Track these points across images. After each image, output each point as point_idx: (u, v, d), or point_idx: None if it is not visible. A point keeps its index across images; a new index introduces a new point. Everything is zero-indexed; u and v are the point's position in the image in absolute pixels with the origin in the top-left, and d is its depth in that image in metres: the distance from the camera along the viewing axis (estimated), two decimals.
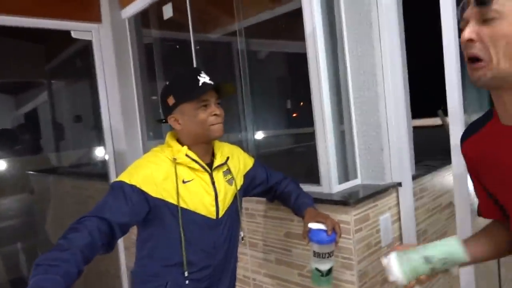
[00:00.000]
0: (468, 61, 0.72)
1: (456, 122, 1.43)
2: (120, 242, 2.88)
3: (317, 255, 1.21)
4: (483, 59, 0.69)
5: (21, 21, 2.45)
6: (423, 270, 0.85)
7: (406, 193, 1.60)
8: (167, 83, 1.33)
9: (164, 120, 1.36)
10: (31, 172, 3.67)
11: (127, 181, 1.20)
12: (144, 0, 2.57)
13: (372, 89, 1.60)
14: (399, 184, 1.60)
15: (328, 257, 1.21)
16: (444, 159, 1.95)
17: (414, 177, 1.69)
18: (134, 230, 1.25)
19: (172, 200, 1.24)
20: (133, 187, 1.19)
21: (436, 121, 2.51)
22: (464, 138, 0.91)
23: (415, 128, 1.84)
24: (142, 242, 1.34)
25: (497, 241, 0.93)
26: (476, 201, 1.75)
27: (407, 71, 1.73)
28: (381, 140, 1.60)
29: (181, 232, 1.25)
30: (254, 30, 2.65)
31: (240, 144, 2.53)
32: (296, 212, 1.42)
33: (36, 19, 2.50)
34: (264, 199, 1.68)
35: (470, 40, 0.70)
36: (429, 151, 2.13)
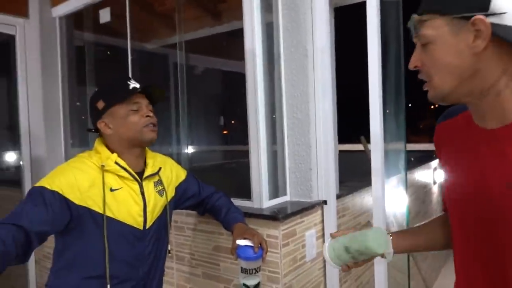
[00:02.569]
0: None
1: (377, 148, 1.59)
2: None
3: (244, 271, 1.23)
4: (428, 81, 0.73)
5: None
6: (345, 258, 0.90)
7: (330, 211, 1.71)
8: (96, 89, 1.31)
9: (93, 129, 1.30)
10: None
11: (48, 186, 1.13)
12: (78, 0, 2.47)
13: (304, 112, 1.71)
14: (325, 202, 1.71)
15: (255, 273, 1.23)
16: (364, 181, 2.11)
17: (338, 196, 1.81)
18: (47, 242, 1.16)
19: (97, 208, 1.18)
20: (54, 194, 1.12)
21: (357, 146, 2.73)
22: (439, 122, 0.90)
23: (340, 152, 1.99)
24: (60, 252, 1.25)
25: (436, 234, 0.95)
26: (391, 220, 1.92)
27: (336, 100, 1.87)
28: (310, 160, 1.70)
29: (105, 242, 1.19)
30: (193, 45, 2.68)
31: (173, 157, 2.50)
32: (226, 226, 1.44)
33: None
34: (194, 212, 1.67)
35: (416, 67, 0.74)
36: (351, 173, 2.30)
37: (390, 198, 1.82)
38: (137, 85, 1.26)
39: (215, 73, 3.31)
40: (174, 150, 2.56)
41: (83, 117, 2.75)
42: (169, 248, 1.42)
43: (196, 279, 1.76)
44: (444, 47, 0.68)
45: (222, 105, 3.33)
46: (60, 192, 1.13)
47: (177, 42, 2.41)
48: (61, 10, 2.58)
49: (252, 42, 1.63)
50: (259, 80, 1.63)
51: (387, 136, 1.73)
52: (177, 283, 1.83)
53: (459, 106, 0.83)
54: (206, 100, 3.16)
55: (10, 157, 3.11)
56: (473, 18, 0.64)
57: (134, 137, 1.25)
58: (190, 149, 2.61)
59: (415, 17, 0.72)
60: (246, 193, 1.70)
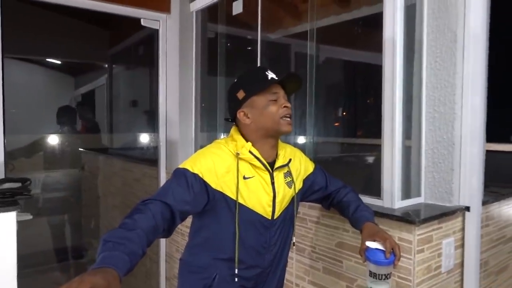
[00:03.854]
0: None
1: None
2: None
3: (373, 275, 1.16)
4: None
5: (93, 4, 2.53)
6: None
7: (473, 219, 1.51)
8: (236, 80, 1.33)
9: (230, 119, 1.35)
10: (83, 150, 3.83)
11: (190, 169, 1.20)
12: None
13: (448, 106, 1.53)
14: (467, 209, 1.51)
15: (384, 279, 1.15)
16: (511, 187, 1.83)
17: (483, 203, 1.58)
18: None
19: (231, 194, 1.23)
20: (195, 176, 1.19)
21: (504, 147, 2.36)
22: None
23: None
24: (196, 231, 1.34)
25: None
26: None
27: (487, 91, 1.63)
28: (452, 160, 1.51)
29: (236, 228, 1.24)
30: (319, 34, 2.62)
31: (299, 147, 2.51)
32: (354, 224, 1.36)
33: (106, 4, 2.58)
34: (317, 205, 1.64)
35: None
36: (496, 177, 2.00)
37: None
38: (274, 76, 1.27)
39: (337, 63, 3.21)
40: (297, 140, 2.56)
41: (203, 105, 2.90)
42: (294, 240, 1.42)
43: (316, 272, 1.73)
44: None
45: (341, 96, 3.22)
46: (200, 175, 1.20)
47: (308, 30, 2.38)
48: (198, 4, 2.77)
49: (392, 28, 1.50)
50: (398, 70, 1.50)
51: None
52: (296, 273, 1.83)
53: None
54: (327, 91, 3.09)
55: (149, 138, 3.51)
56: None
57: (271, 127, 1.26)
58: (311, 141, 2.57)
59: None
60: (369, 190, 1.60)
